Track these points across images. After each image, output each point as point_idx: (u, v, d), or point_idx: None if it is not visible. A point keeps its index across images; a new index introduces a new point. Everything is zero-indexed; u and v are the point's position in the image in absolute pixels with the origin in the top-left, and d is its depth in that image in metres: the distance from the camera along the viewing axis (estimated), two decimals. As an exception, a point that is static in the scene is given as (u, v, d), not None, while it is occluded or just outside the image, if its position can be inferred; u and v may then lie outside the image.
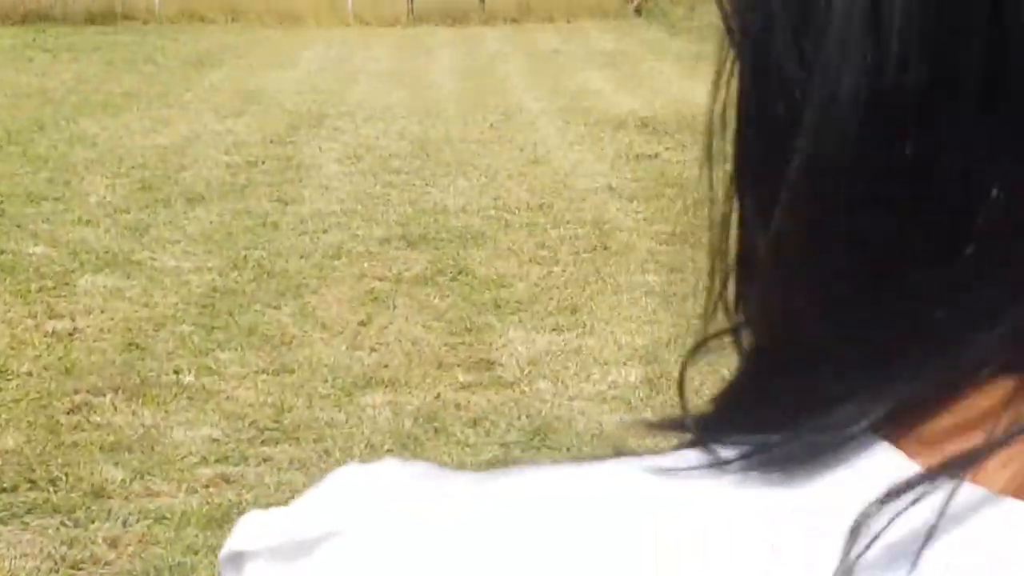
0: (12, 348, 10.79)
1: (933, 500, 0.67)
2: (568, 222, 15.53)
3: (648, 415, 9.27)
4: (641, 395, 10.00)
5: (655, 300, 12.58)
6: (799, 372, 0.76)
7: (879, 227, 0.72)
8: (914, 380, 0.71)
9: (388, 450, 8.65)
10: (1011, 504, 0.68)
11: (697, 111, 15.43)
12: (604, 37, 39.38)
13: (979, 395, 0.69)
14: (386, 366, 10.34)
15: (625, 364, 10.58)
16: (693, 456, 0.78)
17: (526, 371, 10.31)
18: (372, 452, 8.65)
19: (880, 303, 0.73)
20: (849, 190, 0.72)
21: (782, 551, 0.72)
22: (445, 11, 46.69)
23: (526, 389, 9.90)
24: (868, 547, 0.67)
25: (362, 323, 11.51)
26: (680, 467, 0.77)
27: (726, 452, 0.76)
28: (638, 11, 45.72)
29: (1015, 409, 0.68)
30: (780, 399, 0.77)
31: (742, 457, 0.75)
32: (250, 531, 0.90)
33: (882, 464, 0.72)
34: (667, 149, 20.69)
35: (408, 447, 8.89)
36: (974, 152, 0.69)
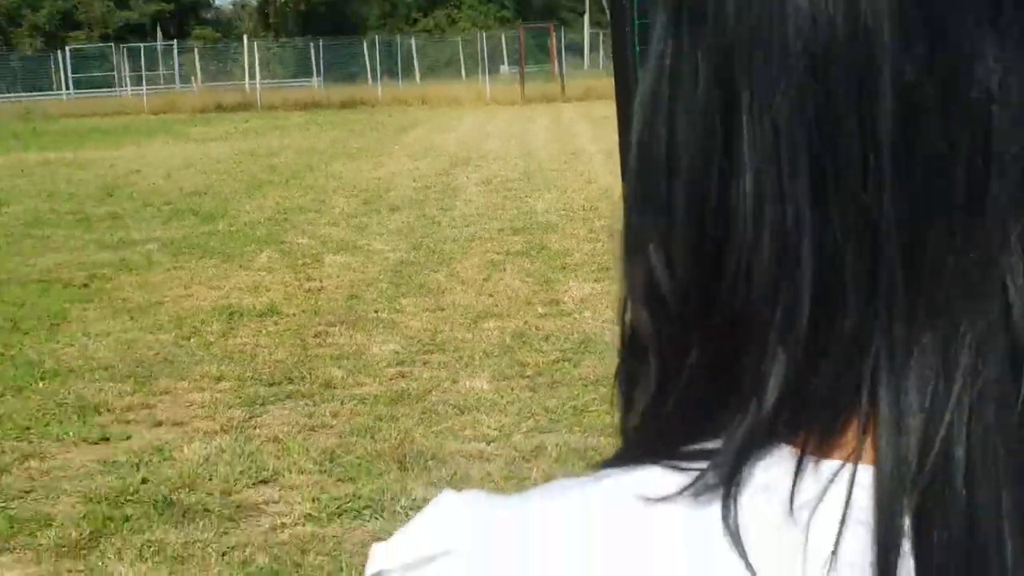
0: (284, 299, 11.70)
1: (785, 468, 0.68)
2: (606, 217, 15.81)
3: None
4: None
5: None
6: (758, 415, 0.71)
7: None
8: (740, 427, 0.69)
9: (495, 356, 9.47)
10: (788, 451, 0.69)
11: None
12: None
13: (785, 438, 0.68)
14: (496, 305, 11.27)
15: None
16: (656, 479, 0.72)
17: (578, 306, 11.19)
18: (487, 358, 9.37)
19: (706, 381, 0.73)
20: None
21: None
22: (541, 95, 47.62)
23: (577, 316, 10.77)
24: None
25: (484, 279, 12.37)
26: (651, 495, 0.71)
27: (675, 470, 0.72)
28: None
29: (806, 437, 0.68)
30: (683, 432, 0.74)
31: (689, 486, 0.70)
32: (384, 555, 0.80)
33: (780, 459, 0.68)
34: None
35: (506, 353, 9.50)
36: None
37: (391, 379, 8.88)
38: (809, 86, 0.66)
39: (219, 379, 8.99)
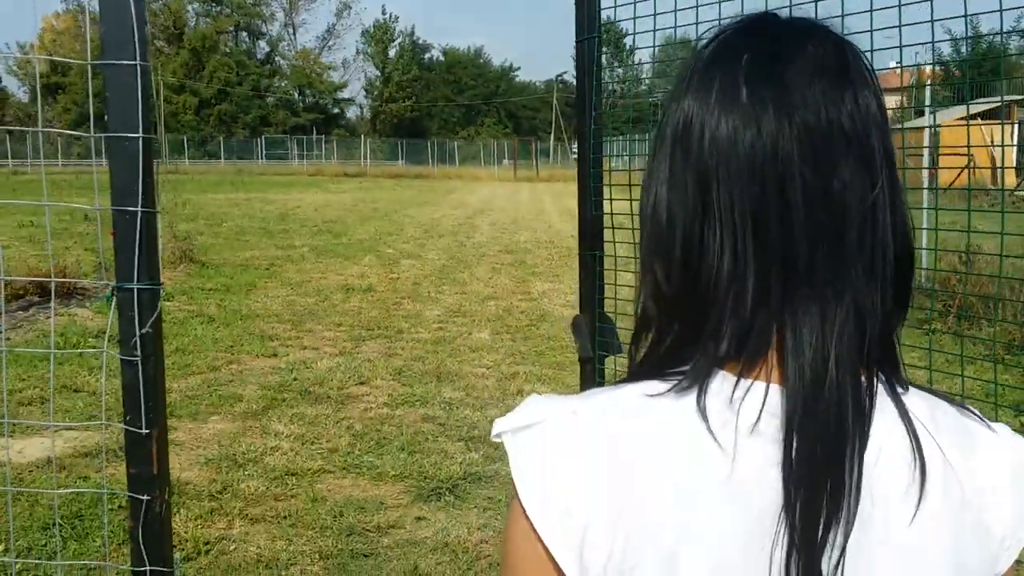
0: (377, 283, 11.49)
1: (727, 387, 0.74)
2: (557, 247, 15.52)
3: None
4: (576, 301, 9.92)
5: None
6: (709, 355, 0.75)
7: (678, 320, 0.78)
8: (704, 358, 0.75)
9: (493, 320, 9.34)
10: (730, 377, 0.74)
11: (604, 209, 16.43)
12: (574, 188, 40.32)
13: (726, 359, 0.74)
14: (495, 292, 11.02)
15: (570, 294, 10.62)
16: (654, 386, 0.76)
17: (540, 295, 10.87)
18: (488, 321, 9.24)
19: (711, 324, 0.75)
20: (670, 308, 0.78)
21: (726, 439, 0.72)
22: (525, 177, 46.59)
23: (540, 301, 10.45)
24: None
25: (489, 278, 12.15)
26: (651, 393, 0.75)
27: (667, 382, 0.76)
28: None
29: (741, 362, 0.74)
30: (672, 361, 0.78)
31: (678, 384, 0.75)
32: (501, 424, 0.78)
33: (720, 378, 0.73)
34: None
35: (499, 319, 9.30)
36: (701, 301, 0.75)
37: (435, 330, 8.81)
38: (751, 186, 0.73)
39: (339, 325, 8.97)
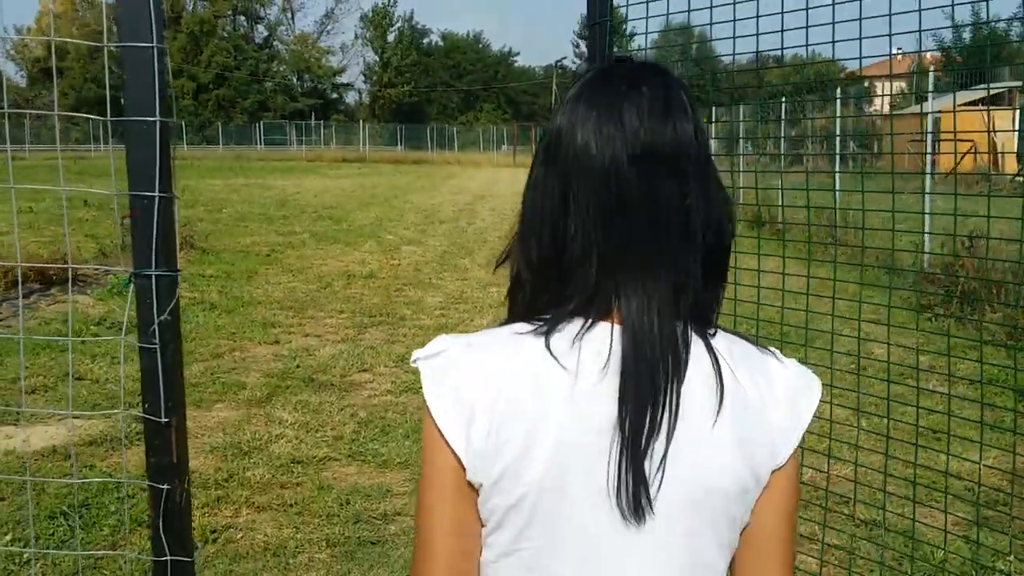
0: (378, 269, 11.45)
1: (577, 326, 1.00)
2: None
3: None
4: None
5: None
6: (568, 309, 1.01)
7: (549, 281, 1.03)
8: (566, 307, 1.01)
9: (494, 307, 9.31)
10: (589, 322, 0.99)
11: None
12: None
13: (584, 308, 1.00)
14: (496, 279, 9.80)
15: None
16: (522, 327, 1.02)
17: None
18: (490, 308, 9.21)
19: (568, 289, 1.01)
20: (537, 277, 1.04)
21: (570, 362, 0.99)
22: (525, 163, 46.77)
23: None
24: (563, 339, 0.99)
25: (489, 264, 12.27)
26: (520, 332, 1.02)
27: (533, 325, 1.02)
28: None
29: (593, 309, 1.00)
30: (562, 314, 1.01)
31: (540, 327, 1.01)
32: (417, 354, 1.06)
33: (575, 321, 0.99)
34: None
35: (501, 306, 8.24)
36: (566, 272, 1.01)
37: (436, 317, 8.82)
38: (599, 189, 1.00)
39: (341, 312, 8.95)
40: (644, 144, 1.00)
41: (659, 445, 0.98)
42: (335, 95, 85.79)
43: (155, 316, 1.13)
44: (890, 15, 1.82)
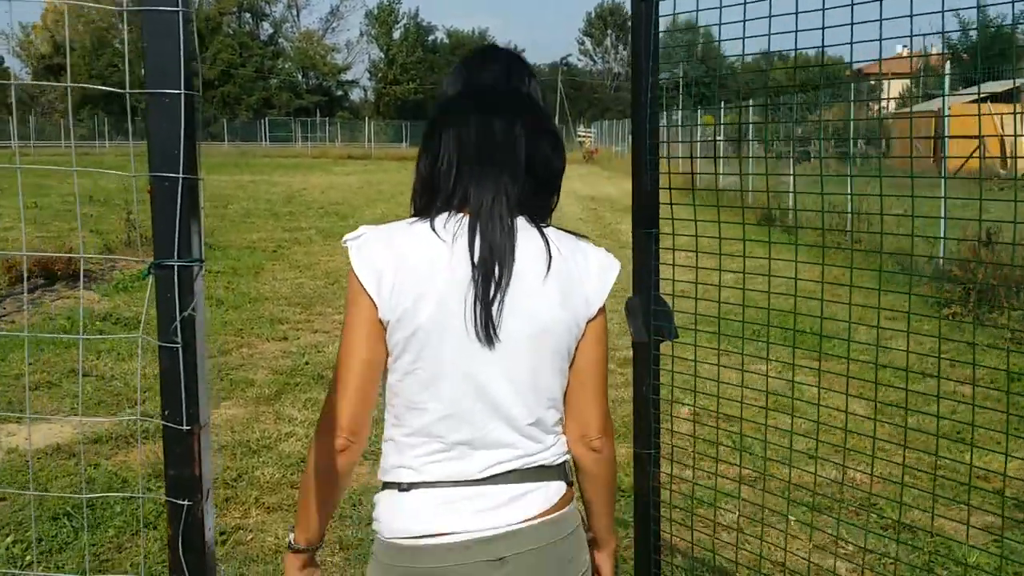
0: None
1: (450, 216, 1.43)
2: (558, 223, 16.21)
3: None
4: None
5: None
6: (437, 206, 1.46)
7: (436, 190, 1.47)
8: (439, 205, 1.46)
9: None
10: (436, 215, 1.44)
11: (605, 195, 16.63)
12: (579, 170, 39.99)
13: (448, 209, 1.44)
14: None
15: None
16: (415, 219, 1.47)
17: None
18: None
19: (440, 193, 1.46)
20: (428, 185, 1.48)
21: (447, 235, 1.43)
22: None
23: None
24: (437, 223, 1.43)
25: None
26: (412, 222, 1.47)
27: (420, 217, 1.47)
28: (588, 159, 43.90)
29: (455, 210, 1.45)
30: (437, 209, 1.46)
31: (424, 217, 1.46)
32: (346, 237, 1.47)
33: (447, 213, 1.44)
34: (600, 205, 20.36)
35: None
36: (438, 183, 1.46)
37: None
38: (458, 125, 1.47)
39: (349, 308, 8.80)
40: (488, 98, 1.49)
41: (500, 295, 1.41)
42: (340, 92, 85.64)
43: (177, 311, 1.01)
44: (911, 16, 1.68)
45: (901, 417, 3.65)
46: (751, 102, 16.93)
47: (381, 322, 1.43)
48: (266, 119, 67.93)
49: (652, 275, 2.08)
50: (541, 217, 1.51)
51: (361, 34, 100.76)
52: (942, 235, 9.29)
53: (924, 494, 3.74)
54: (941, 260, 9.58)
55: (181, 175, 1.01)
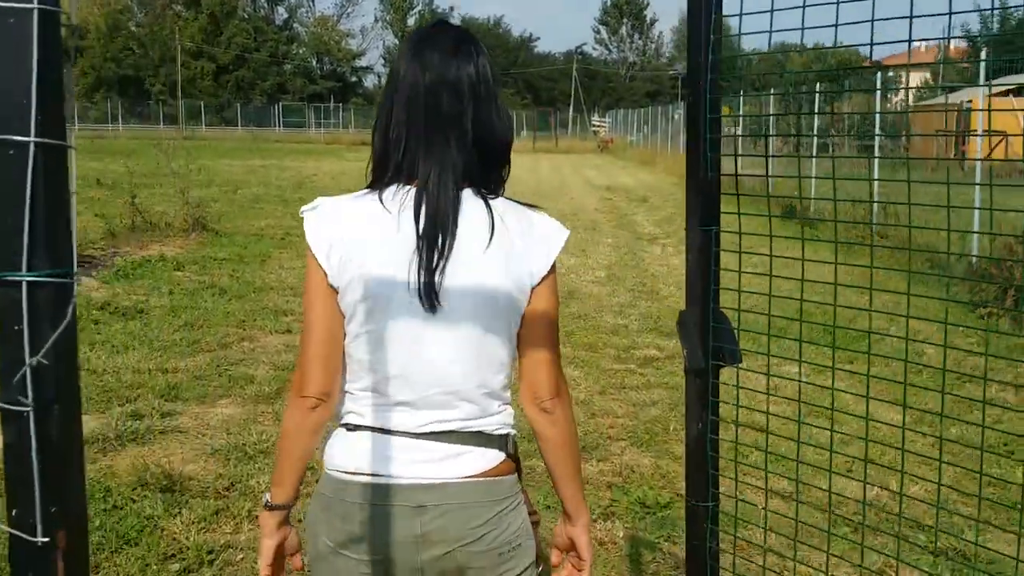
0: None
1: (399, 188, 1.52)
2: (585, 220, 14.83)
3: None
4: (606, 277, 9.84)
5: (610, 246, 12.04)
6: (389, 175, 1.54)
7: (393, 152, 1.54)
8: (402, 175, 1.54)
9: None
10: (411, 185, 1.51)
11: (620, 184, 16.16)
12: (594, 159, 39.62)
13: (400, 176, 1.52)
14: None
15: (598, 269, 10.42)
16: (372, 192, 1.54)
17: (568, 270, 9.87)
18: None
19: (391, 163, 1.54)
20: (384, 149, 1.55)
21: (393, 208, 1.51)
22: (544, 148, 47.18)
23: (566, 277, 9.50)
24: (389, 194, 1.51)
25: None
26: (362, 194, 1.56)
27: (371, 189, 1.55)
28: (603, 150, 43.97)
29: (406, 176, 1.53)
30: (389, 179, 1.54)
31: (374, 190, 1.54)
32: (304, 208, 1.57)
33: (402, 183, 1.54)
34: (615, 195, 20.25)
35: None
36: (397, 147, 1.53)
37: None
38: (408, 103, 1.55)
39: (357, 299, 8.41)
40: (435, 76, 1.53)
41: (443, 263, 1.49)
42: (354, 78, 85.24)
43: (27, 353, 0.62)
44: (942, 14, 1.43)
45: (941, 426, 3.21)
46: (772, 97, 16.51)
47: (333, 288, 1.52)
48: (280, 104, 67.64)
49: (711, 284, 1.66)
50: (492, 189, 1.58)
51: (376, 20, 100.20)
52: (975, 230, 8.92)
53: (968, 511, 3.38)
54: (974, 259, 9.19)
55: (33, 138, 0.62)
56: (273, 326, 7.19)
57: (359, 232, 1.51)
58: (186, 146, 18.74)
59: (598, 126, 59.04)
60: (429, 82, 1.53)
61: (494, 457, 1.56)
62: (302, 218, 1.55)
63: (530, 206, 1.61)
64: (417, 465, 1.52)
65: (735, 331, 1.66)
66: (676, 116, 37.39)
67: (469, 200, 1.53)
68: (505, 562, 1.57)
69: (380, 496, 1.52)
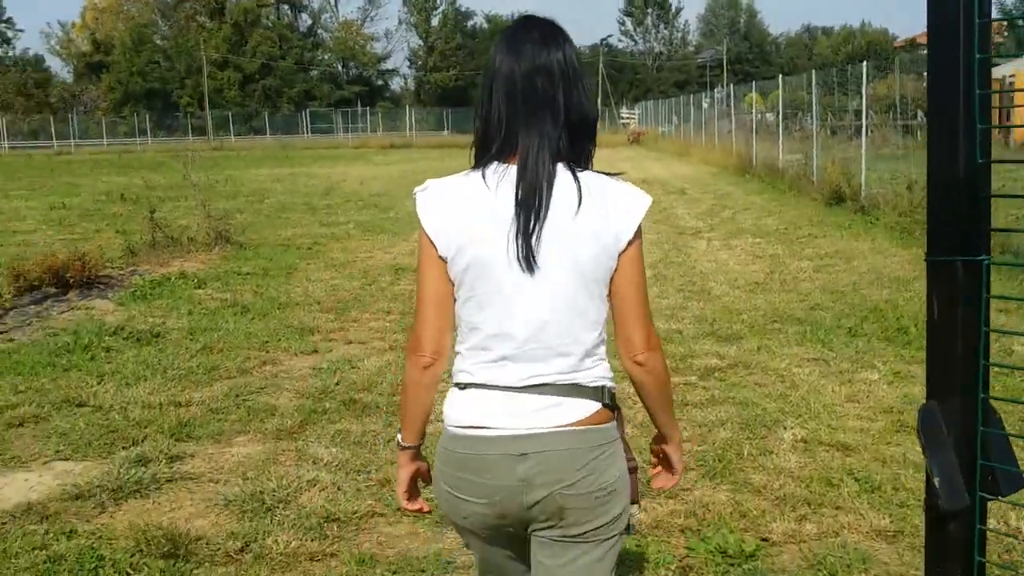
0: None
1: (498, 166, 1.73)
2: (657, 221, 15.39)
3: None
4: (652, 277, 9.79)
5: (652, 243, 11.10)
6: (491, 155, 1.73)
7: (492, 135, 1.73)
8: (499, 154, 1.72)
9: None
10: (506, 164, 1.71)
11: (656, 177, 15.52)
12: (625, 152, 39.53)
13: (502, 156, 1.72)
14: None
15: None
16: (475, 171, 1.74)
17: None
18: None
19: (493, 144, 1.73)
20: (486, 130, 1.74)
21: (492, 184, 1.70)
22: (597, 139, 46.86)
23: None
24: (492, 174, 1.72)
25: None
26: (469, 173, 1.75)
27: (475, 168, 1.74)
28: (634, 142, 43.72)
29: (506, 157, 1.72)
30: (489, 158, 1.73)
31: (477, 168, 1.74)
32: (416, 189, 1.80)
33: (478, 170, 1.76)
34: (652, 188, 19.33)
35: None
36: (491, 133, 1.73)
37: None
38: (506, 85, 1.73)
39: (388, 312, 7.84)
40: (529, 63, 1.72)
41: (538, 228, 1.67)
42: (380, 82, 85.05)
43: None
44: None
45: None
46: (813, 74, 15.71)
47: (442, 259, 1.73)
48: (307, 111, 67.54)
49: (979, 359, 0.99)
50: (581, 163, 1.76)
51: (400, 22, 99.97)
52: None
53: None
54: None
55: None
56: (298, 347, 6.64)
57: (463, 207, 1.71)
58: (214, 157, 18.38)
59: (628, 118, 58.18)
60: (524, 70, 1.72)
61: (590, 407, 1.74)
62: (413, 198, 1.78)
63: (613, 175, 1.79)
64: (518, 417, 1.71)
65: (1007, 438, 0.97)
66: (706, 104, 36.61)
67: (561, 173, 1.71)
68: (601, 504, 1.75)
69: (486, 446, 1.73)
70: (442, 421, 1.80)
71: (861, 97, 15.03)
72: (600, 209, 1.70)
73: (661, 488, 2.01)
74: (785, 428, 4.79)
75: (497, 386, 1.72)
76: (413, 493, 1.93)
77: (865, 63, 14.58)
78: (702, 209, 15.49)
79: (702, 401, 5.30)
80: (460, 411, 1.76)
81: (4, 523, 3.76)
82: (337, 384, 5.70)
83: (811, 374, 5.79)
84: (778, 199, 16.54)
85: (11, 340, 6.75)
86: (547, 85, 1.71)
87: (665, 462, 1.98)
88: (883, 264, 9.58)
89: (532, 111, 1.70)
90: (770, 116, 25.98)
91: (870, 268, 9.35)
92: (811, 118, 18.71)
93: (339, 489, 4.09)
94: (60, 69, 77.84)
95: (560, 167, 1.71)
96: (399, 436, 1.88)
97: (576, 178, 1.70)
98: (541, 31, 1.76)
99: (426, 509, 1.95)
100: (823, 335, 6.70)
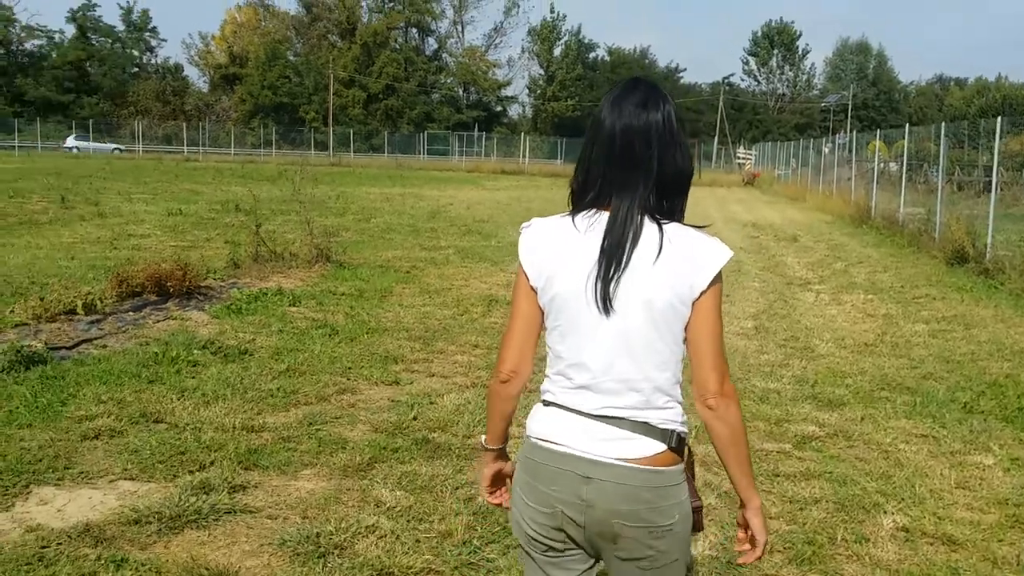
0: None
1: (595, 214, 1.88)
2: (764, 268, 14.88)
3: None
4: (753, 329, 8.78)
5: (757, 291, 10.93)
6: (586, 202, 1.91)
7: (587, 190, 1.91)
8: (595, 203, 1.90)
9: None
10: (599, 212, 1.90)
11: (767, 221, 14.82)
12: (739, 193, 37.41)
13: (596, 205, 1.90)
14: None
15: (744, 319, 9.35)
16: (569, 215, 1.93)
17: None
18: None
19: (589, 194, 1.91)
20: (585, 180, 1.92)
21: (583, 228, 1.89)
22: (712, 178, 47.34)
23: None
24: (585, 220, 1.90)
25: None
26: (565, 216, 1.94)
27: (571, 213, 1.94)
28: (748, 183, 43.05)
29: (601, 206, 1.89)
30: (585, 205, 1.91)
31: (572, 213, 1.93)
32: (522, 226, 1.99)
33: (571, 215, 1.95)
34: (762, 233, 18.92)
35: None
36: (589, 188, 1.91)
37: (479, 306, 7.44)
38: (605, 145, 1.89)
39: (476, 346, 7.63)
40: (627, 124, 1.86)
41: (617, 276, 1.82)
42: (499, 108, 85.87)
43: None
44: None
45: None
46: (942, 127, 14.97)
47: (533, 289, 1.92)
48: (425, 132, 68.72)
49: None
50: (670, 214, 1.89)
51: (523, 51, 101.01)
52: None
53: None
54: None
55: None
56: (380, 376, 6.51)
57: (555, 245, 1.90)
58: (331, 172, 18.70)
59: (744, 158, 57.12)
60: (622, 129, 1.87)
61: (655, 447, 1.85)
62: (519, 232, 1.99)
63: (699, 227, 1.90)
64: (590, 442, 1.86)
65: None
66: (826, 150, 35.58)
67: (647, 226, 1.85)
68: (656, 539, 1.86)
69: (559, 461, 1.88)
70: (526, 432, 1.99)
71: (993, 152, 14.18)
72: (678, 259, 1.82)
73: (744, 564, 2.07)
74: (885, 513, 4.37)
75: (576, 410, 1.89)
76: (496, 486, 2.14)
77: (1000, 118, 13.75)
78: (813, 259, 14.86)
79: (795, 473, 4.91)
80: (541, 424, 1.95)
81: (60, 544, 3.69)
82: (413, 419, 5.53)
83: (918, 452, 5.31)
84: (895, 254, 15.74)
85: (105, 347, 6.82)
86: (643, 147, 1.86)
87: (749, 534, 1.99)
88: (1006, 334, 8.88)
89: (626, 170, 1.86)
90: (893, 166, 24.99)
91: (991, 337, 8.68)
92: (937, 171, 17.83)
93: (398, 538, 3.90)
94: (197, 79, 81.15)
95: (647, 219, 1.85)
96: (483, 438, 2.12)
97: (661, 230, 1.84)
98: (643, 94, 1.90)
99: (506, 504, 2.08)
100: (934, 409, 6.18)
